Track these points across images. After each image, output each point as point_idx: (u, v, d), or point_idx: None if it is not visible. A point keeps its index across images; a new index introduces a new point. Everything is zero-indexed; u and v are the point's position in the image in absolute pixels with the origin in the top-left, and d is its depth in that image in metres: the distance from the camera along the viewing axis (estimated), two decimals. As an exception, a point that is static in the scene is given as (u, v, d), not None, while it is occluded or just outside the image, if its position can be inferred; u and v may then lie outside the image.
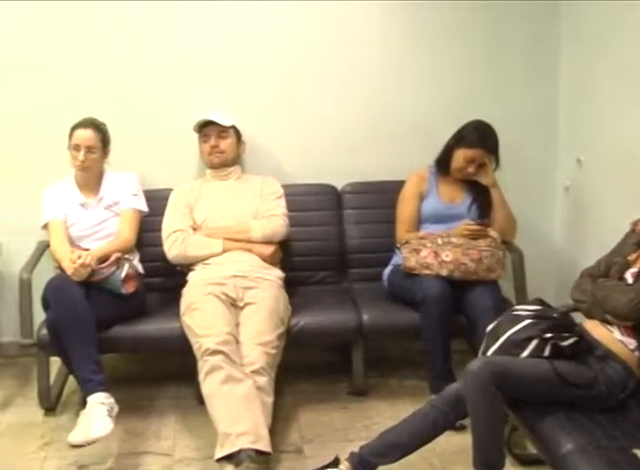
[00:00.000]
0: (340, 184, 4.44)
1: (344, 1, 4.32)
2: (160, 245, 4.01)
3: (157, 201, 4.16)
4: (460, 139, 4.02)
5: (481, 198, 4.09)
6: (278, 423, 3.48)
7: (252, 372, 3.34)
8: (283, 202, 4.11)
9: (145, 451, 3.52)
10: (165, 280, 4.19)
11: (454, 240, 3.84)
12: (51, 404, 3.92)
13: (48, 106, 4.31)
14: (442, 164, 4.10)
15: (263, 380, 3.35)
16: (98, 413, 3.33)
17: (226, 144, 4.14)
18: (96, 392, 3.40)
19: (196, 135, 4.21)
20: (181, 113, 4.32)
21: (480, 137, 3.98)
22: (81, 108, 4.16)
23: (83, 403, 3.52)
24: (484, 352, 3.05)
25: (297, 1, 4.30)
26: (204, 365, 3.35)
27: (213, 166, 4.18)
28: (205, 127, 4.14)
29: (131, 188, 4.10)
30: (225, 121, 4.12)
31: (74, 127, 3.98)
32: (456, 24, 4.40)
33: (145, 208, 4.12)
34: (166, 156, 4.37)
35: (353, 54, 4.38)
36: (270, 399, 3.35)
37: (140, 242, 4.10)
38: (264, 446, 3.13)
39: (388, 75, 4.42)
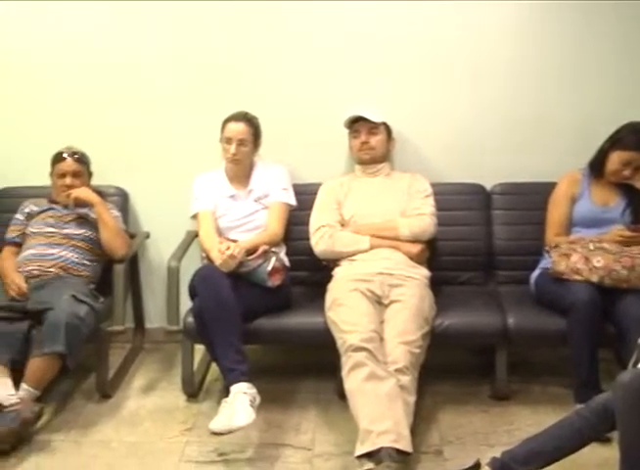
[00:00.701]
0: (489, 184, 4.34)
1: (500, 1, 4.24)
2: (307, 239, 4.03)
3: (305, 195, 4.18)
4: (616, 141, 3.87)
5: (636, 202, 3.93)
6: (418, 423, 3.43)
7: (396, 371, 3.31)
8: (431, 200, 4.06)
9: (285, 444, 3.54)
10: (311, 274, 4.20)
11: (606, 246, 3.71)
12: (193, 391, 4.00)
13: (202, 97, 4.40)
14: (596, 166, 3.96)
15: (406, 379, 3.32)
16: (240, 403, 3.37)
17: (376, 140, 4.12)
18: (239, 381, 3.44)
19: (346, 130, 4.20)
20: (332, 108, 4.32)
21: (637, 139, 3.83)
22: (235, 101, 4.24)
23: (225, 392, 3.57)
24: (635, 365, 2.94)
25: (446, 1, 4.24)
26: (347, 361, 3.34)
27: (363, 163, 4.16)
28: (356, 123, 4.13)
29: (281, 181, 4.14)
30: (376, 118, 4.10)
31: (227, 120, 4.05)
32: (619, 24, 4.24)
33: (294, 201, 4.15)
34: (316, 150, 4.38)
35: (508, 53, 4.27)
36: (412, 399, 3.31)
37: (287, 235, 4.13)
38: (405, 445, 3.10)
39: (547, 75, 4.29)
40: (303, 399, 3.97)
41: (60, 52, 4.45)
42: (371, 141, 4.11)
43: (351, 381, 3.30)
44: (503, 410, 3.81)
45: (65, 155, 4.22)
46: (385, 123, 4.16)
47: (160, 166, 4.50)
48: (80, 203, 4.17)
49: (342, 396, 3.60)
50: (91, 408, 3.94)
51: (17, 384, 3.63)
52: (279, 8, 4.28)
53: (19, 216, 4.27)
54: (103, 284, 4.16)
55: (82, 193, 4.17)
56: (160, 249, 4.54)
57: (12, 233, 4.24)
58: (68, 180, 4.19)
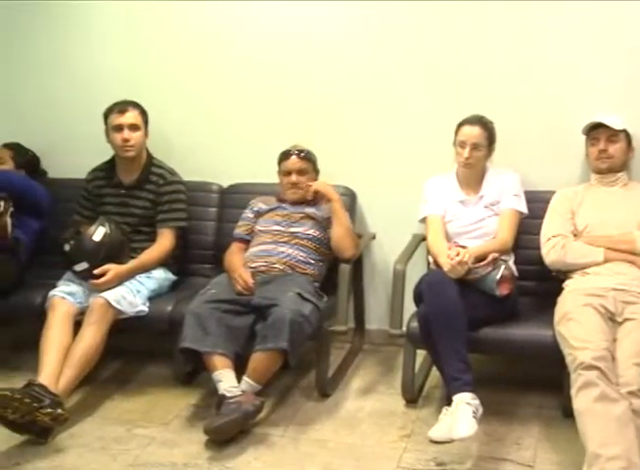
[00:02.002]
0: None
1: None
2: (537, 248, 3.90)
3: (537, 203, 4.06)
4: None
5: None
6: None
7: (628, 393, 3.11)
8: (673, 213, 3.85)
9: (505, 458, 3.44)
10: (539, 285, 4.07)
11: None
12: (413, 396, 3.96)
13: (436, 99, 4.39)
14: None
15: (639, 403, 3.13)
16: (463, 413, 3.29)
17: (615, 149, 3.93)
18: (462, 391, 3.37)
19: (582, 137, 4.04)
20: (568, 113, 4.19)
21: None
22: (469, 104, 4.18)
23: (445, 400, 3.52)
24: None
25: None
26: (577, 379, 3.18)
27: (599, 171, 3.98)
28: (595, 130, 3.96)
29: (512, 188, 4.03)
30: (616, 125, 3.91)
31: (462, 123, 3.99)
32: None
33: (525, 209, 4.03)
34: (550, 157, 4.24)
35: None
36: (645, 425, 3.14)
37: (516, 243, 4.01)
38: (636, 474, 2.93)
39: None
40: (526, 413, 3.85)
41: (294, 53, 4.55)
42: (609, 149, 3.92)
43: (581, 400, 3.14)
44: None
45: (290, 153, 4.28)
46: (625, 131, 3.97)
47: (389, 168, 4.50)
48: (318, 196, 4.23)
49: (566, 413, 3.51)
50: (310, 406, 3.98)
51: (238, 376, 3.72)
52: (518, 9, 4.18)
53: (248, 214, 4.38)
54: (326, 283, 4.20)
55: (322, 186, 4.22)
56: (385, 251, 4.54)
57: (241, 229, 4.35)
58: (293, 178, 4.26)
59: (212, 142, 4.75)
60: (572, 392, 3.20)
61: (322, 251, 4.20)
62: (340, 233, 4.14)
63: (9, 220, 4.32)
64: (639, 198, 3.91)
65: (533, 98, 4.25)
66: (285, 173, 4.30)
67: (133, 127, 4.32)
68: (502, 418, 3.76)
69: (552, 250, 3.82)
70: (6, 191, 4.32)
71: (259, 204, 4.38)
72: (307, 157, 4.29)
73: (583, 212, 3.91)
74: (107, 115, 4.34)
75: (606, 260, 3.73)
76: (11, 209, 4.34)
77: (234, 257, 4.22)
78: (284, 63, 4.56)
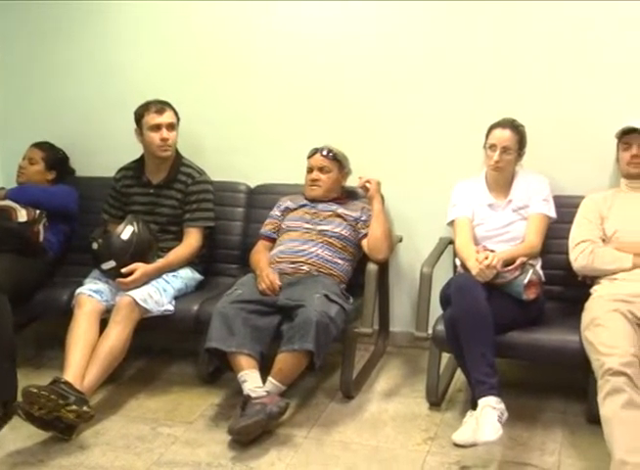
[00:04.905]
0: None
1: None
2: (565, 253, 3.88)
3: (566, 207, 4.03)
4: None
5: None
6: None
7: (657, 400, 3.12)
8: (702, 219, 3.81)
9: (529, 463, 3.41)
10: (566, 290, 4.05)
11: None
12: (437, 399, 3.95)
13: (467, 101, 4.37)
14: None
15: (666, 410, 3.12)
16: (488, 417, 3.28)
17: None
18: (488, 395, 3.36)
19: (613, 142, 4.01)
20: (599, 118, 4.17)
21: None
22: (499, 107, 4.17)
23: (470, 403, 3.53)
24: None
25: None
26: (604, 386, 3.15)
27: (630, 177, 3.94)
28: (628, 135, 3.91)
29: (541, 192, 4.01)
30: None
31: (493, 127, 3.98)
32: None
33: (553, 214, 4.00)
34: (580, 162, 4.21)
35: None
36: (668, 432, 3.11)
37: (544, 248, 3.99)
38: (661, 481, 2.91)
39: None
40: (550, 418, 3.82)
41: (324, 54, 4.56)
42: None
43: (608, 407, 3.12)
44: None
45: (317, 150, 4.32)
46: None
47: (417, 170, 4.50)
48: (365, 191, 4.24)
49: (591, 419, 3.50)
50: (333, 408, 3.97)
51: (263, 377, 3.73)
52: (549, 8, 4.16)
53: (275, 212, 4.39)
54: (353, 285, 4.20)
55: (376, 185, 4.23)
56: (412, 253, 4.54)
57: (267, 227, 4.37)
58: (314, 174, 4.31)
59: (241, 142, 4.76)
60: (599, 398, 3.17)
61: (349, 250, 4.22)
62: (378, 234, 4.15)
63: (41, 228, 4.38)
64: (669, 204, 3.88)
65: (564, 102, 4.23)
66: (308, 170, 4.35)
67: (171, 127, 4.35)
68: (526, 423, 3.74)
69: (580, 255, 3.79)
70: (32, 206, 4.38)
71: (288, 201, 4.40)
72: (333, 156, 4.30)
73: (612, 218, 3.88)
74: (141, 114, 4.35)
75: (634, 267, 3.70)
76: (44, 219, 4.41)
77: (260, 255, 4.24)
78: (314, 64, 4.57)
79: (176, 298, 4.17)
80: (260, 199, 4.66)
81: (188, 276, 4.32)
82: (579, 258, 3.79)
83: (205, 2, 4.67)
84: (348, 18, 4.47)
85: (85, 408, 3.58)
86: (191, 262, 4.36)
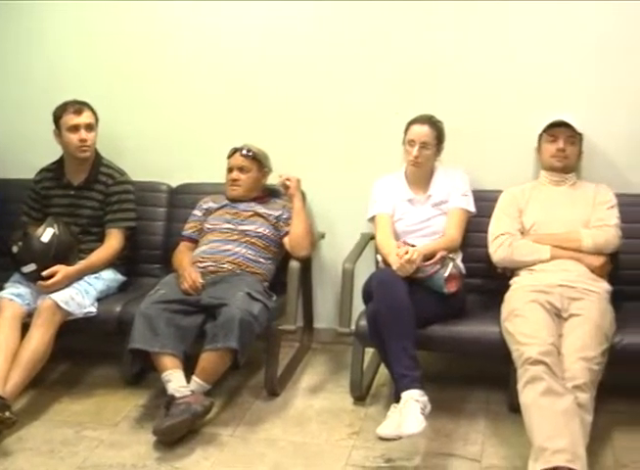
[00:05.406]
0: (679, 196, 4.14)
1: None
2: (485, 246, 3.95)
3: (485, 201, 4.10)
4: None
5: None
6: (591, 444, 3.22)
7: (574, 387, 3.17)
8: (616, 212, 3.89)
9: (452, 454, 3.47)
10: (486, 282, 4.10)
11: None
12: (361, 394, 3.99)
13: (385, 99, 4.39)
14: None
15: (585, 397, 3.17)
16: (411, 410, 3.31)
17: (572, 150, 3.99)
18: (411, 388, 3.39)
19: (531, 138, 4.10)
20: (517, 113, 4.25)
21: None
22: (418, 104, 4.21)
23: (393, 397, 3.54)
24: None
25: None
26: (524, 374, 3.22)
27: (552, 169, 4.02)
28: (555, 128, 3.99)
29: (460, 187, 4.07)
30: (577, 127, 3.97)
31: (411, 123, 4.01)
32: None
33: (473, 208, 4.07)
34: (499, 157, 4.28)
35: None
36: (590, 418, 3.17)
37: (464, 242, 4.05)
38: (581, 466, 2.96)
39: None
40: (473, 409, 3.89)
41: (242, 52, 4.54)
42: (567, 149, 3.97)
43: (527, 395, 3.18)
44: (684, 434, 3.61)
45: (236, 150, 4.32)
46: (581, 134, 4.02)
47: (338, 166, 4.51)
48: (285, 189, 4.26)
49: (512, 408, 3.58)
50: (258, 405, 3.98)
51: (187, 376, 3.71)
52: (463, 6, 4.21)
53: (197, 212, 4.38)
54: (276, 283, 4.20)
55: (296, 183, 4.25)
56: (334, 250, 4.55)
57: (189, 229, 4.35)
58: (234, 174, 4.30)
59: (162, 142, 4.73)
60: (519, 386, 3.24)
61: (272, 249, 4.22)
62: (299, 232, 4.17)
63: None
64: (585, 197, 3.97)
65: (482, 98, 4.28)
66: (228, 170, 4.34)
67: (89, 127, 4.29)
68: (450, 414, 3.80)
69: (499, 248, 3.86)
70: None
71: (209, 202, 4.38)
72: (252, 156, 4.29)
73: (530, 211, 3.96)
74: (59, 115, 4.28)
75: (552, 258, 3.79)
76: None
77: (182, 255, 4.22)
78: (234, 63, 4.56)
79: (99, 299, 4.11)
80: (182, 198, 4.63)
81: (110, 277, 4.27)
82: (499, 250, 3.86)
83: (124, 2, 4.62)
84: (267, 17, 4.46)
85: (7, 414, 3.53)
86: (113, 264, 4.31)
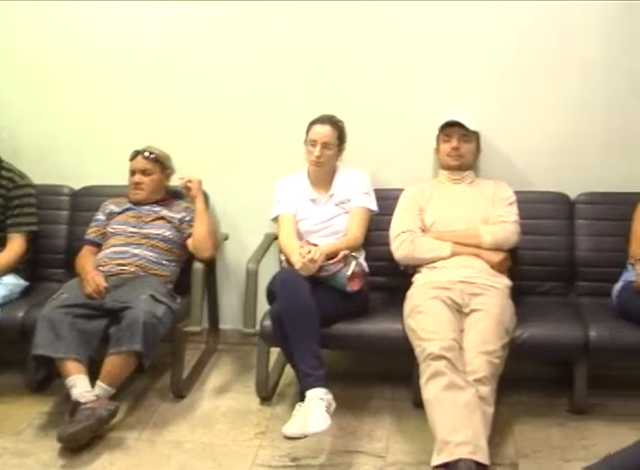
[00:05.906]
0: (573, 193, 4.24)
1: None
2: (387, 244, 4.00)
3: (387, 200, 4.14)
4: None
5: None
6: (493, 435, 3.32)
7: (475, 381, 3.25)
8: (515, 208, 3.98)
9: (358, 451, 3.51)
10: (389, 280, 4.16)
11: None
12: (267, 394, 4.00)
13: (286, 99, 4.41)
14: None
15: (485, 390, 3.25)
16: (316, 408, 3.34)
17: (466, 148, 4.07)
18: (315, 387, 3.41)
19: (430, 136, 4.16)
20: (416, 113, 4.30)
21: None
22: (318, 103, 4.24)
23: (299, 396, 3.55)
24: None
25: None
26: (426, 370, 3.29)
27: (449, 168, 4.10)
28: (449, 128, 4.07)
29: (362, 186, 4.10)
30: (470, 126, 4.04)
31: (313, 123, 4.04)
32: None
33: (375, 207, 4.11)
34: (399, 156, 4.35)
35: (596, 57, 4.16)
36: (491, 410, 3.24)
37: (367, 240, 4.09)
38: (483, 457, 3.03)
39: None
40: (378, 406, 3.93)
41: (142, 53, 4.52)
42: (462, 148, 4.05)
43: (430, 390, 3.25)
44: (581, 425, 3.71)
45: (138, 153, 4.29)
46: (476, 133, 4.11)
47: (241, 168, 4.52)
48: (187, 191, 4.23)
49: (417, 404, 3.62)
50: (165, 408, 3.95)
51: (92, 381, 3.67)
52: (365, 8, 4.25)
53: (99, 216, 4.33)
54: (180, 284, 4.18)
55: (197, 184, 4.23)
56: (238, 250, 4.56)
57: (92, 233, 4.30)
58: (136, 177, 4.27)
59: (63, 144, 4.67)
60: (422, 382, 3.30)
61: (175, 252, 4.20)
62: (202, 233, 4.15)
63: None
64: (484, 194, 4.05)
65: (383, 97, 4.33)
66: (130, 173, 4.30)
67: None
68: (355, 412, 3.83)
69: (401, 245, 3.92)
70: None
71: (111, 205, 4.34)
72: (154, 158, 4.27)
73: (431, 209, 4.03)
74: None
75: (453, 254, 3.86)
76: None
77: (85, 259, 4.16)
78: (135, 63, 4.52)
79: (1, 305, 4.02)
80: (85, 201, 4.57)
81: (12, 283, 4.19)
82: (400, 248, 3.92)
83: (23, 2, 4.54)
84: (171, 17, 4.44)
85: None
86: (15, 269, 4.23)
